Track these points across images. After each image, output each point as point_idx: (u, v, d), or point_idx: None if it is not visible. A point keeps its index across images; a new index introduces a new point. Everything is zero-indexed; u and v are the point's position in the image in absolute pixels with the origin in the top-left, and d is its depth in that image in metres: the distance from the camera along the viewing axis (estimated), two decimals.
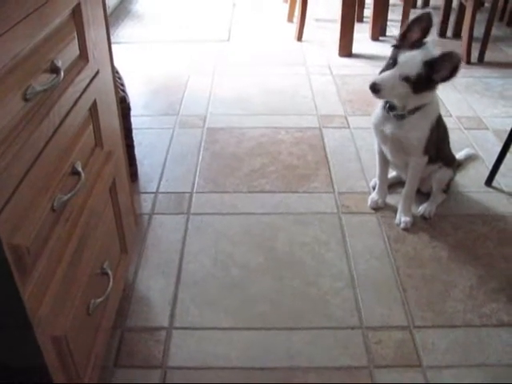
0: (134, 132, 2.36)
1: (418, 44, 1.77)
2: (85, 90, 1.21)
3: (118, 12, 4.27)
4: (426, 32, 1.78)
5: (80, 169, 1.16)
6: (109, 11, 4.00)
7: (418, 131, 1.88)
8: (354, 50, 3.61)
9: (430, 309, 1.70)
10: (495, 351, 1.57)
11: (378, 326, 1.64)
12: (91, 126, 1.29)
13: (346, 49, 3.57)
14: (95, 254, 1.28)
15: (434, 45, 1.77)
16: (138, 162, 2.31)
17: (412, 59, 1.74)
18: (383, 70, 1.82)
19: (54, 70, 1.01)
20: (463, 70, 3.37)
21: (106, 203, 1.40)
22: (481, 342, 1.59)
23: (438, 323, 1.65)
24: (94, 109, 1.29)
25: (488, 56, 3.54)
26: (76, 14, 1.16)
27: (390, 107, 1.89)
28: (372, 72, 3.25)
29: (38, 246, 0.99)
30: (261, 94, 3.03)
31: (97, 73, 1.31)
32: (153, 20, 4.16)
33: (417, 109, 1.85)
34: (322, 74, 3.31)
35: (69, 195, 1.09)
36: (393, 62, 1.78)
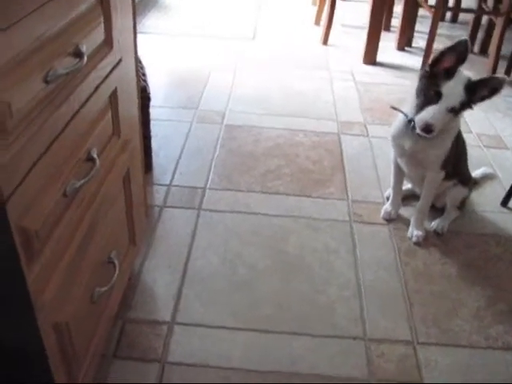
0: (152, 123, 2.35)
1: (452, 71, 1.72)
2: (106, 77, 1.20)
3: (146, 2, 4.27)
4: (461, 60, 1.73)
5: (95, 155, 1.15)
6: (137, 0, 4.00)
7: (439, 149, 1.86)
8: (379, 59, 3.58)
9: (436, 326, 1.67)
10: (499, 375, 1.55)
11: (381, 339, 1.62)
12: (110, 114, 1.28)
13: (370, 56, 3.55)
14: (103, 243, 1.27)
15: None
16: (153, 153, 2.30)
17: (456, 89, 1.72)
18: (423, 104, 1.77)
19: (78, 54, 1.00)
20: None
21: (119, 193, 1.39)
22: (485, 364, 1.57)
23: (442, 341, 1.63)
24: (114, 97, 1.28)
25: None
26: (104, 0, 1.15)
27: (414, 126, 1.82)
28: (395, 82, 3.24)
29: (47, 231, 0.98)
30: (282, 94, 3.01)
31: (120, 61, 1.29)
32: (179, 12, 4.16)
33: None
34: (345, 79, 3.29)
35: (82, 181, 1.08)
36: (436, 95, 1.73)
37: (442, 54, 1.74)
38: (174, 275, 1.78)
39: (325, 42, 3.80)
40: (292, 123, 2.72)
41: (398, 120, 1.92)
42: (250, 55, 3.54)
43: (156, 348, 1.54)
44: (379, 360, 1.55)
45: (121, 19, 1.27)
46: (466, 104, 1.74)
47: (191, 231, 1.96)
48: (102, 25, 1.15)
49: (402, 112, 1.89)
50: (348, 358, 1.55)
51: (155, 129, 2.48)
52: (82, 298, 1.18)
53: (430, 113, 1.74)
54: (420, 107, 1.78)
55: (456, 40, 1.72)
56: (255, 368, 1.50)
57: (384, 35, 3.69)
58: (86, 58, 1.00)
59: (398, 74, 3.43)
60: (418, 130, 1.78)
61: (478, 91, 1.72)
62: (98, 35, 1.14)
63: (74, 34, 1.02)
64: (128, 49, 1.38)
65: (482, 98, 1.74)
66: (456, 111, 1.74)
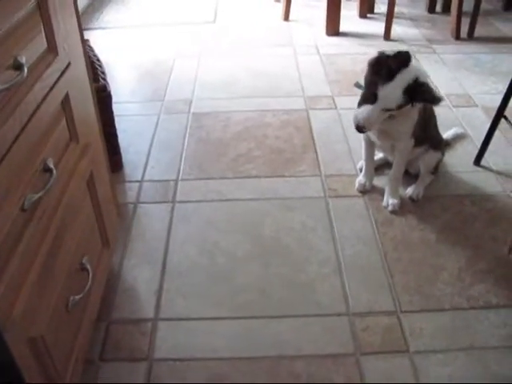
0: (120, 119, 2.34)
1: (396, 71, 1.71)
2: (55, 84, 1.18)
3: None
4: (404, 66, 1.73)
5: (52, 165, 1.13)
6: None
7: (406, 122, 1.87)
8: (342, 29, 3.56)
9: (418, 293, 1.68)
10: (482, 334, 1.56)
11: (364, 312, 1.62)
12: (64, 121, 1.26)
13: (333, 27, 3.52)
14: (73, 251, 1.26)
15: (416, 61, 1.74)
16: (122, 151, 2.28)
17: (392, 93, 1.72)
18: (362, 101, 1.79)
19: (18, 66, 0.98)
20: (452, 47, 3.36)
21: (84, 198, 1.37)
22: (468, 325, 1.58)
23: (425, 307, 1.64)
24: (66, 102, 1.26)
25: (478, 31, 3.51)
26: (42, 6, 1.13)
27: None
28: (359, 51, 3.23)
29: (8, 248, 0.96)
30: (247, 76, 2.99)
31: (68, 65, 1.27)
32: (138, 4, 4.10)
33: None
34: (310, 53, 3.28)
35: (40, 194, 1.06)
36: (373, 96, 1.74)
37: (381, 59, 1.75)
38: (154, 271, 1.77)
39: (286, 17, 3.77)
40: (260, 104, 2.70)
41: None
42: (212, 39, 3.51)
43: (142, 346, 1.54)
44: (364, 334, 1.56)
45: (63, 23, 1.24)
46: (407, 104, 1.74)
47: (167, 225, 1.95)
48: (43, 32, 1.13)
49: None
50: (333, 336, 1.56)
51: (123, 125, 2.46)
52: (57, 308, 1.17)
53: (363, 113, 1.76)
54: (361, 101, 1.80)
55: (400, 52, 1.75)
56: (242, 356, 1.50)
57: (345, 4, 3.67)
58: (26, 70, 0.98)
59: (362, 42, 3.42)
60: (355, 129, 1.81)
61: (418, 94, 1.72)
62: (40, 44, 1.12)
63: (12, 46, 0.99)
64: (76, 51, 1.36)
65: (424, 100, 1.75)
66: (394, 110, 1.75)
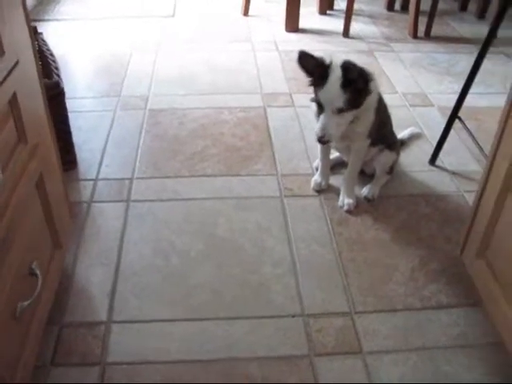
0: (74, 116, 2.30)
1: (326, 72, 1.73)
2: (1, 83, 1.14)
3: None
4: (316, 65, 1.75)
5: None
6: None
7: (363, 124, 1.87)
8: (301, 25, 3.56)
9: (372, 293, 1.70)
10: (434, 334, 1.58)
11: (319, 313, 1.63)
12: (12, 122, 1.22)
13: (292, 24, 3.52)
14: (21, 256, 1.23)
15: (334, 56, 1.76)
16: (77, 148, 2.24)
17: (330, 92, 1.72)
18: (317, 115, 1.82)
19: None
20: (410, 45, 3.39)
21: (33, 200, 1.34)
22: (420, 325, 1.60)
23: (379, 308, 1.65)
24: (14, 102, 1.22)
25: (435, 30, 3.55)
26: None
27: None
28: (318, 47, 3.23)
29: None
30: (205, 72, 2.97)
31: (16, 63, 1.23)
32: None
33: None
34: (268, 50, 3.27)
35: None
36: (319, 106, 1.77)
37: (302, 67, 1.78)
38: (107, 272, 1.75)
39: (246, 13, 3.75)
40: (217, 101, 2.68)
41: None
42: (170, 33, 3.47)
43: (95, 350, 1.51)
44: (318, 335, 1.57)
45: (9, 19, 1.20)
46: (354, 94, 1.73)
47: (121, 225, 1.93)
48: None
49: None
50: (287, 337, 1.56)
51: (78, 122, 2.43)
52: (3, 315, 1.14)
53: (319, 125, 1.77)
54: (316, 117, 1.84)
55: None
56: (195, 358, 1.49)
57: (305, 0, 3.66)
58: None
59: (321, 39, 3.43)
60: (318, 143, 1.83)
61: (354, 82, 1.71)
62: None
63: None
64: (24, 48, 1.32)
65: (366, 83, 1.74)
66: (348, 108, 1.74)
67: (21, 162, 1.26)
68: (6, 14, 1.18)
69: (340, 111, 1.74)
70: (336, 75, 1.71)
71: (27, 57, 1.34)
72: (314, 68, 1.76)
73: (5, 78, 1.17)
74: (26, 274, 1.27)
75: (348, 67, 1.71)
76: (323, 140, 1.79)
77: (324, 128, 1.76)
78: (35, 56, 1.41)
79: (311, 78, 1.79)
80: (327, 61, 1.75)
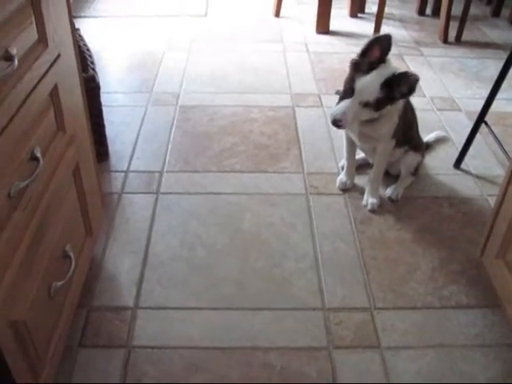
0: (107, 110, 2.36)
1: (375, 65, 1.76)
2: (44, 75, 1.21)
3: None
4: (385, 53, 1.78)
5: (39, 154, 1.16)
6: None
7: (386, 126, 1.91)
8: (332, 27, 3.60)
9: (392, 291, 1.73)
10: (452, 332, 1.61)
11: (339, 308, 1.67)
12: (52, 111, 1.29)
13: (323, 26, 3.56)
14: (56, 239, 1.29)
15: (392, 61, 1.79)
16: (109, 141, 2.30)
17: (369, 85, 1.75)
18: (342, 98, 1.81)
19: (8, 57, 1.01)
20: (440, 50, 3.40)
21: (69, 187, 1.40)
22: (438, 323, 1.63)
23: (398, 305, 1.69)
24: (55, 93, 1.29)
25: (466, 35, 3.56)
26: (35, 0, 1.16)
27: None
28: (348, 50, 3.27)
29: None
30: (235, 71, 3.02)
31: (58, 56, 1.30)
32: None
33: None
34: (298, 51, 3.31)
35: (27, 182, 1.10)
36: (350, 90, 1.77)
37: (368, 46, 1.78)
38: (136, 261, 1.81)
39: (277, 14, 3.79)
40: (246, 99, 2.74)
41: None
42: (203, 33, 3.53)
43: (121, 334, 1.57)
44: (337, 328, 1.61)
45: (55, 14, 1.27)
46: (385, 99, 1.76)
47: (150, 216, 1.99)
48: (34, 24, 1.16)
49: None
50: (307, 329, 1.60)
51: (111, 116, 2.49)
52: (39, 294, 1.20)
53: (340, 108, 1.78)
54: (339, 99, 1.83)
55: (381, 35, 1.79)
56: (217, 346, 1.55)
57: (336, 3, 3.70)
58: (16, 61, 1.01)
59: (351, 41, 3.46)
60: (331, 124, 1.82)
61: (396, 87, 1.74)
62: (31, 35, 1.15)
63: (4, 37, 1.02)
64: (66, 42, 1.39)
65: (402, 95, 1.77)
66: (373, 106, 1.77)
67: (59, 149, 1.32)
68: (52, 9, 1.25)
69: (365, 105, 1.77)
70: (384, 72, 1.75)
71: (68, 51, 1.41)
72: (379, 52, 1.77)
73: (47, 70, 1.23)
74: (60, 255, 1.33)
75: (403, 77, 1.73)
76: (338, 123, 1.79)
77: (344, 112, 1.77)
78: (76, 50, 1.48)
79: (359, 59, 1.80)
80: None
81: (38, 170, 1.14)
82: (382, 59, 1.77)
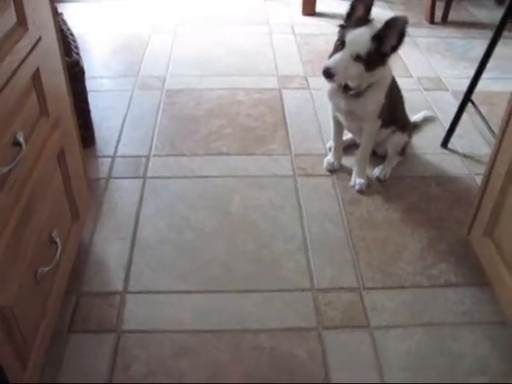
0: (93, 95, 2.34)
1: (363, 22, 1.76)
2: (25, 58, 1.19)
3: None
4: (368, 9, 1.78)
5: (22, 139, 1.15)
6: None
7: (373, 103, 1.90)
8: (318, 9, 3.58)
9: (381, 271, 1.74)
10: (441, 311, 1.62)
11: (328, 288, 1.67)
12: (35, 95, 1.27)
13: (309, 7, 3.54)
14: (42, 223, 1.28)
15: (379, 21, 1.77)
16: (95, 126, 2.29)
17: (359, 36, 1.74)
18: (331, 54, 1.80)
19: None
20: (426, 30, 3.39)
21: (54, 172, 1.39)
22: (427, 302, 1.64)
23: (387, 285, 1.69)
24: (36, 77, 1.27)
25: (452, 15, 3.54)
26: None
27: (344, 87, 1.88)
28: (334, 31, 3.21)
29: None
30: (222, 53, 3.00)
31: (39, 39, 1.28)
32: None
33: (371, 83, 1.86)
34: (285, 32, 3.29)
35: (10, 166, 1.08)
36: (341, 43, 1.77)
37: (352, 6, 1.79)
38: (124, 245, 1.80)
39: None
40: (233, 82, 2.72)
41: None
42: (189, 15, 3.50)
43: (110, 318, 1.57)
44: (326, 308, 1.61)
45: None
46: (376, 53, 1.75)
47: (138, 200, 1.98)
48: (12, 6, 1.14)
49: None
50: (296, 310, 1.61)
51: (96, 100, 2.47)
52: (26, 279, 1.19)
53: (332, 59, 1.77)
54: (330, 54, 1.82)
55: None
56: (206, 328, 1.55)
57: None
58: None
59: (338, 22, 3.38)
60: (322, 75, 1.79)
61: (385, 38, 1.74)
62: (9, 18, 1.13)
63: None
64: (47, 24, 1.37)
65: (394, 47, 1.76)
66: (364, 60, 1.75)
67: (43, 134, 1.31)
68: None
69: (357, 58, 1.75)
70: (373, 26, 1.75)
71: (49, 34, 1.39)
72: (363, 9, 1.77)
73: (28, 53, 1.21)
74: (46, 241, 1.33)
75: (392, 21, 1.72)
76: (329, 72, 1.76)
77: (336, 62, 1.75)
78: (57, 33, 1.46)
79: (346, 19, 1.81)
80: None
81: (21, 155, 1.13)
82: (367, 16, 1.78)
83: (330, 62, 1.76)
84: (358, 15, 1.79)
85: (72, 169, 1.51)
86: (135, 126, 2.37)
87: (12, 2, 1.13)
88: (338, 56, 1.76)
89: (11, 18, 1.13)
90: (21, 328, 1.16)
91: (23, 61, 1.18)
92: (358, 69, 1.77)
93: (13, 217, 1.12)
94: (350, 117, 1.98)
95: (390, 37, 1.73)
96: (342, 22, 1.83)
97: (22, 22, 1.18)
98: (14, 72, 1.14)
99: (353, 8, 1.79)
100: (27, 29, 1.20)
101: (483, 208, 1.57)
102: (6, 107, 1.11)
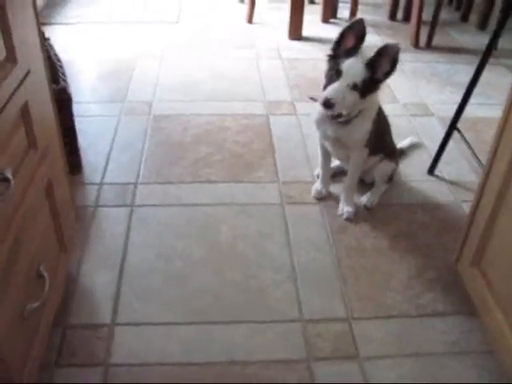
0: (80, 120, 2.34)
1: (354, 50, 1.78)
2: (14, 92, 1.18)
3: None
4: (360, 38, 1.79)
5: (10, 175, 1.13)
6: None
7: (360, 131, 1.91)
8: (305, 33, 3.60)
9: (369, 300, 1.74)
10: (429, 341, 1.62)
11: (317, 319, 1.67)
12: (23, 129, 1.26)
13: (295, 31, 3.56)
14: (29, 259, 1.27)
15: (370, 49, 1.79)
16: (82, 152, 2.28)
17: (355, 65, 1.75)
18: (327, 84, 1.81)
19: None
20: (411, 55, 3.42)
21: (42, 204, 1.38)
22: (416, 332, 1.64)
23: (376, 314, 1.69)
24: (25, 110, 1.26)
25: (436, 40, 3.58)
26: (0, 14, 1.13)
27: (334, 114, 1.87)
28: (321, 56, 3.25)
29: None
30: (209, 78, 3.01)
31: (28, 72, 1.27)
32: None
33: (360, 111, 1.87)
34: (271, 57, 3.31)
35: None
36: (336, 73, 1.77)
37: (342, 34, 1.80)
38: (112, 275, 1.79)
39: (250, 20, 3.79)
40: (220, 108, 2.73)
41: (319, 106, 1.94)
42: (175, 40, 3.51)
43: (98, 351, 1.55)
44: (316, 339, 1.61)
45: (23, 29, 1.24)
46: (370, 81, 1.78)
47: (125, 229, 1.97)
48: (1, 42, 1.13)
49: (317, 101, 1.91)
50: (286, 341, 1.60)
51: (83, 126, 2.46)
52: (13, 317, 1.18)
53: (331, 89, 1.78)
54: (326, 84, 1.82)
55: (354, 20, 1.80)
56: (194, 361, 1.53)
57: (309, 8, 3.72)
58: None
59: (324, 47, 3.44)
60: (321, 107, 1.81)
61: (378, 66, 1.76)
62: None
63: None
64: (35, 55, 1.36)
65: (386, 74, 1.79)
66: (360, 89, 1.77)
67: (31, 167, 1.30)
68: (20, 25, 1.22)
69: (354, 87, 1.76)
70: (365, 54, 1.76)
71: (38, 64, 1.38)
72: (356, 37, 1.79)
73: (17, 87, 1.21)
74: (33, 276, 1.31)
75: (385, 48, 1.75)
76: (331, 101, 1.76)
77: (335, 92, 1.76)
78: (45, 63, 1.45)
79: (335, 47, 1.82)
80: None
81: (9, 192, 1.12)
82: (359, 45, 1.79)
83: (328, 93, 1.77)
84: (347, 45, 1.79)
85: (60, 199, 1.50)
86: (122, 153, 2.36)
87: (1, 37, 1.12)
88: (335, 86, 1.77)
89: (1, 53, 1.13)
90: (7, 365, 1.15)
91: (11, 96, 1.17)
92: (354, 97, 1.79)
93: (1, 254, 1.11)
94: (337, 144, 1.98)
95: (383, 64, 1.76)
96: (329, 49, 1.85)
97: (10, 56, 1.17)
98: (2, 108, 1.12)
99: (342, 36, 1.80)
100: (16, 63, 1.19)
101: (471, 238, 1.58)
102: None
